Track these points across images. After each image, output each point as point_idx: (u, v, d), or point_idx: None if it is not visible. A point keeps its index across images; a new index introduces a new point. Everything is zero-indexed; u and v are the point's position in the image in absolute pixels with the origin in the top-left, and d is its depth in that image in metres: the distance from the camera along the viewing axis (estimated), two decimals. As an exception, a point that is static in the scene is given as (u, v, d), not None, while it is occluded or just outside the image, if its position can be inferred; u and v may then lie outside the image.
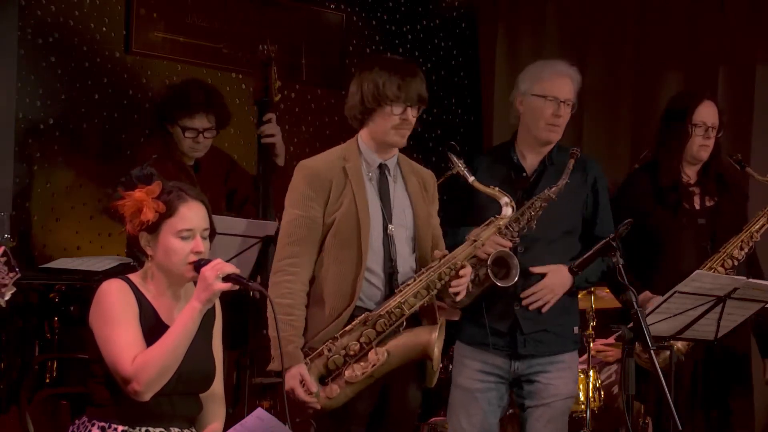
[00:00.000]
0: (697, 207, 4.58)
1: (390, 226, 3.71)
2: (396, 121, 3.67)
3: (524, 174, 4.12)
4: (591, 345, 5.07)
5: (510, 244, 3.91)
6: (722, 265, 4.39)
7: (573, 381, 4.20)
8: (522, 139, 4.16)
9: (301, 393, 3.54)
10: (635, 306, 3.81)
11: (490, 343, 3.98)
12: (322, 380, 3.59)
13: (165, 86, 5.27)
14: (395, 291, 3.67)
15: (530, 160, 4.13)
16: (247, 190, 5.03)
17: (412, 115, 3.68)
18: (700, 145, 4.54)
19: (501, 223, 3.82)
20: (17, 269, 2.86)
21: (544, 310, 4.00)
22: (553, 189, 3.98)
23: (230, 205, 5.01)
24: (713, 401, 4.52)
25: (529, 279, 3.98)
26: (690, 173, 4.60)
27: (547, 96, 4.08)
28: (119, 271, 4.21)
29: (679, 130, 4.54)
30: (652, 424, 4.66)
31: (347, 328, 3.60)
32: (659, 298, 4.21)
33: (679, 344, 4.37)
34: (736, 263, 4.41)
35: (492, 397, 4.06)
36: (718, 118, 4.58)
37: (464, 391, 3.88)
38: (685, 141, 4.53)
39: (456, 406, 3.92)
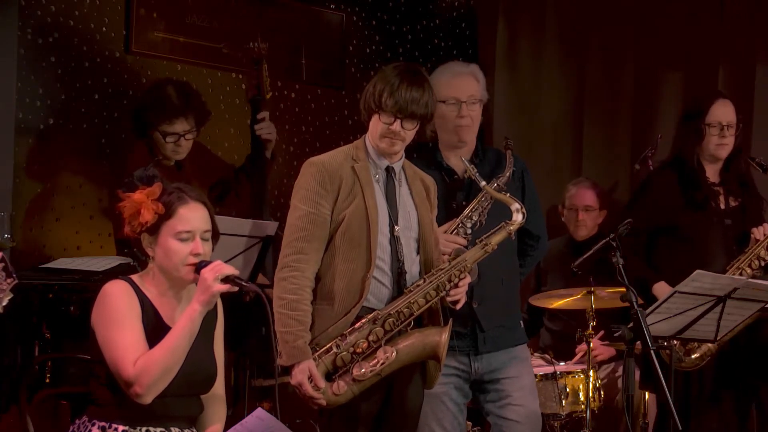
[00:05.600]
0: (723, 207, 4.60)
1: (396, 227, 3.71)
2: (383, 129, 3.67)
3: (456, 176, 4.15)
4: (591, 345, 5.08)
5: (465, 241, 3.95)
6: (749, 266, 4.42)
7: (531, 372, 4.24)
8: (442, 145, 4.20)
9: (308, 388, 3.54)
10: (635, 306, 3.82)
11: (456, 346, 3.99)
12: (329, 377, 3.59)
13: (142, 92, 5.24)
14: (404, 291, 3.68)
15: (455, 162, 4.16)
16: (228, 183, 5.04)
17: (401, 126, 3.66)
18: (717, 144, 4.59)
19: (511, 228, 3.82)
20: (14, 275, 2.86)
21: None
22: (500, 179, 4.01)
23: (214, 198, 4.99)
24: (741, 394, 4.54)
25: (479, 276, 3.97)
26: (712, 173, 4.63)
27: (446, 99, 4.11)
28: (119, 271, 4.22)
29: (694, 130, 4.58)
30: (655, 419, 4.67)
31: (356, 325, 3.60)
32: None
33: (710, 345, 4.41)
34: (763, 263, 4.45)
35: (456, 395, 4.08)
36: (734, 116, 4.60)
37: (428, 397, 3.88)
38: (700, 141, 4.57)
39: (424, 414, 3.92)
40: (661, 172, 4.73)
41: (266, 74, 5.00)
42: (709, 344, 4.43)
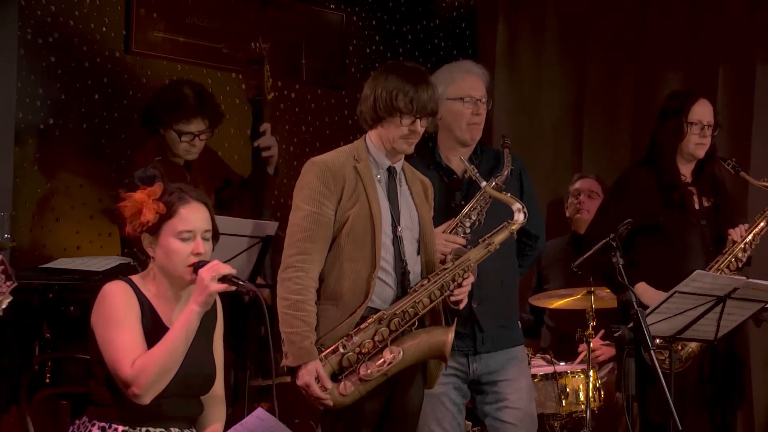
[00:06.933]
0: (697, 207, 4.60)
1: (399, 228, 3.72)
2: (405, 132, 3.69)
3: (455, 176, 4.16)
4: (591, 345, 5.08)
5: (464, 240, 3.95)
6: (728, 267, 4.43)
7: (528, 374, 4.25)
8: (444, 144, 4.19)
9: (316, 389, 3.54)
10: (635, 306, 3.82)
11: (456, 346, 3.98)
12: (334, 377, 3.59)
13: (155, 90, 5.25)
14: (408, 291, 3.68)
15: (455, 162, 4.15)
16: (233, 191, 5.05)
17: (421, 125, 3.70)
18: (697, 144, 4.58)
19: (513, 228, 3.83)
20: (14, 278, 2.86)
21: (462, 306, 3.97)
22: (499, 178, 4.01)
23: (220, 203, 5.00)
24: (719, 401, 4.54)
25: (479, 277, 3.97)
26: (685, 172, 4.63)
27: (464, 97, 4.10)
28: (119, 271, 4.22)
29: (675, 128, 4.57)
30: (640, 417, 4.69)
31: (362, 326, 3.60)
32: (656, 292, 4.25)
33: (693, 345, 4.41)
34: (740, 265, 4.47)
35: (455, 395, 4.08)
36: (713, 116, 4.61)
37: (428, 397, 3.89)
38: (680, 139, 4.57)
39: (424, 415, 3.92)
40: (637, 170, 4.71)
41: (268, 75, 4.99)
42: (693, 346, 4.43)
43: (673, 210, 4.55)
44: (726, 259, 4.46)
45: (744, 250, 4.47)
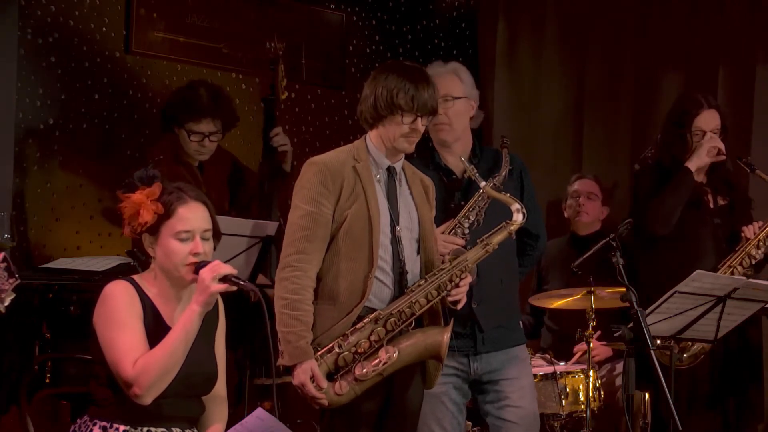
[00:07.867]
0: (711, 206, 4.62)
1: (398, 228, 3.72)
2: (406, 130, 3.69)
3: (454, 176, 4.17)
4: (591, 345, 5.08)
5: (463, 241, 3.95)
6: (741, 264, 4.45)
7: (530, 373, 4.25)
8: (437, 147, 4.21)
9: (310, 388, 3.54)
10: (635, 306, 3.82)
11: (455, 346, 3.98)
12: (330, 377, 3.59)
13: (173, 89, 5.27)
14: (405, 291, 3.68)
15: (453, 162, 4.17)
16: (253, 189, 5.05)
17: (422, 124, 3.70)
18: None
19: (512, 228, 3.83)
20: (17, 275, 2.86)
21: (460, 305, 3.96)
22: (497, 178, 4.02)
23: (235, 204, 5.02)
24: (731, 394, 4.56)
25: (479, 277, 3.97)
26: (698, 173, 4.64)
27: None
28: (119, 271, 4.22)
29: (680, 137, 4.61)
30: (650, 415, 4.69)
31: (358, 325, 3.60)
32: None
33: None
34: (753, 262, 4.49)
35: (455, 395, 4.09)
36: (719, 121, 4.62)
37: (428, 397, 3.89)
38: (685, 150, 4.60)
39: (424, 414, 3.93)
40: (646, 172, 4.74)
41: (282, 74, 5.01)
42: (703, 343, 4.45)
43: (686, 209, 4.57)
44: (739, 255, 4.48)
45: (757, 246, 4.50)
